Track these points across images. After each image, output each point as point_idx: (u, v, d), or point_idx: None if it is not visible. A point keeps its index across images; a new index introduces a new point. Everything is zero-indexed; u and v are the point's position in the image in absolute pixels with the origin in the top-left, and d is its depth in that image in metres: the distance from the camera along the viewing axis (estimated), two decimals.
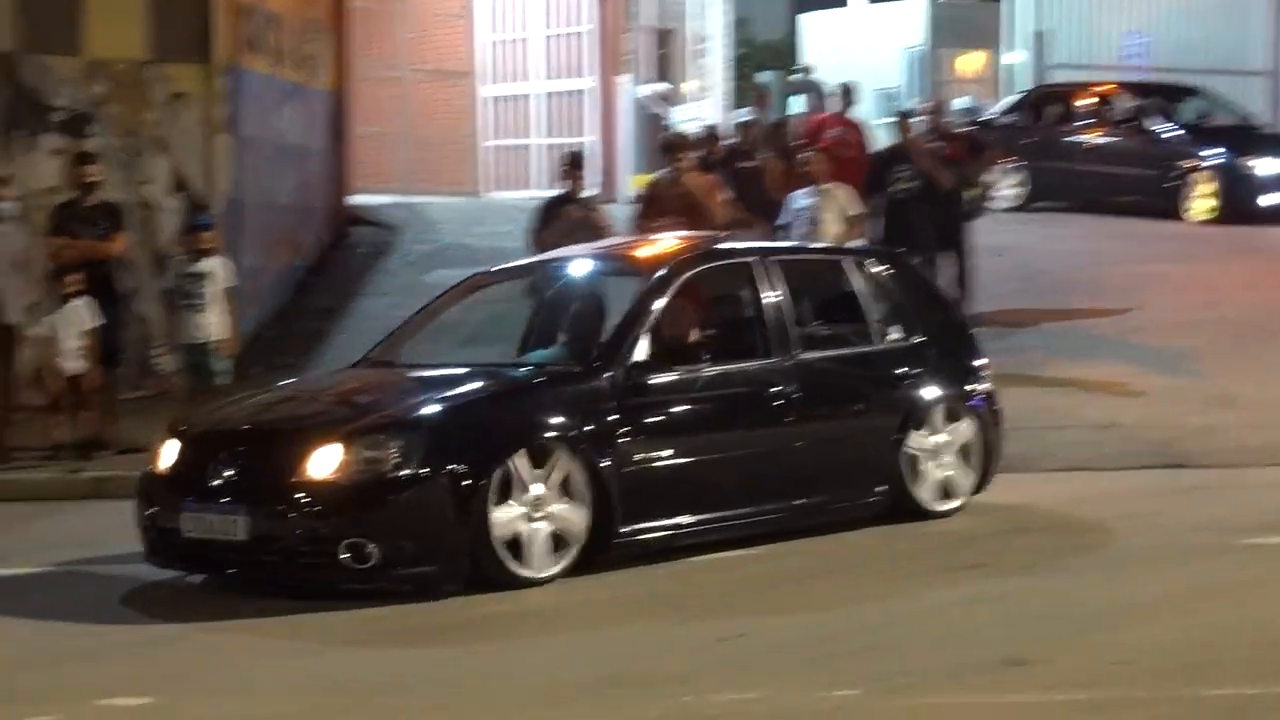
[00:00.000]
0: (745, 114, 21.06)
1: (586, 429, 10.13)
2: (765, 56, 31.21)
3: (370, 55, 25.65)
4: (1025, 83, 30.10)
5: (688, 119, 27.02)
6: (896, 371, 11.90)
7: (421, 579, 9.57)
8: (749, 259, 11.57)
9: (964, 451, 11.93)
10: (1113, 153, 25.22)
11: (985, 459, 12.02)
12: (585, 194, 16.23)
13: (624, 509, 10.18)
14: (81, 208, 15.41)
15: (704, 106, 29.87)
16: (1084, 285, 20.09)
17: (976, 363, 12.33)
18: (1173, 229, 23.69)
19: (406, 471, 9.55)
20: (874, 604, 9.50)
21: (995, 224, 22.47)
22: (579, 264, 12.22)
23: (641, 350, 10.58)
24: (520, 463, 9.84)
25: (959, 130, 20.21)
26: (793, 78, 25.22)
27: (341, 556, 9.41)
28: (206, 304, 14.95)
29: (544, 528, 9.90)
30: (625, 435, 10.29)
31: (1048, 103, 26.52)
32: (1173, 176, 24.34)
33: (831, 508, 11.33)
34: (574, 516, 10.02)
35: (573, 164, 16.26)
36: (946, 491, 11.81)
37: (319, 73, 21.89)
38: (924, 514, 11.63)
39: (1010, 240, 22.05)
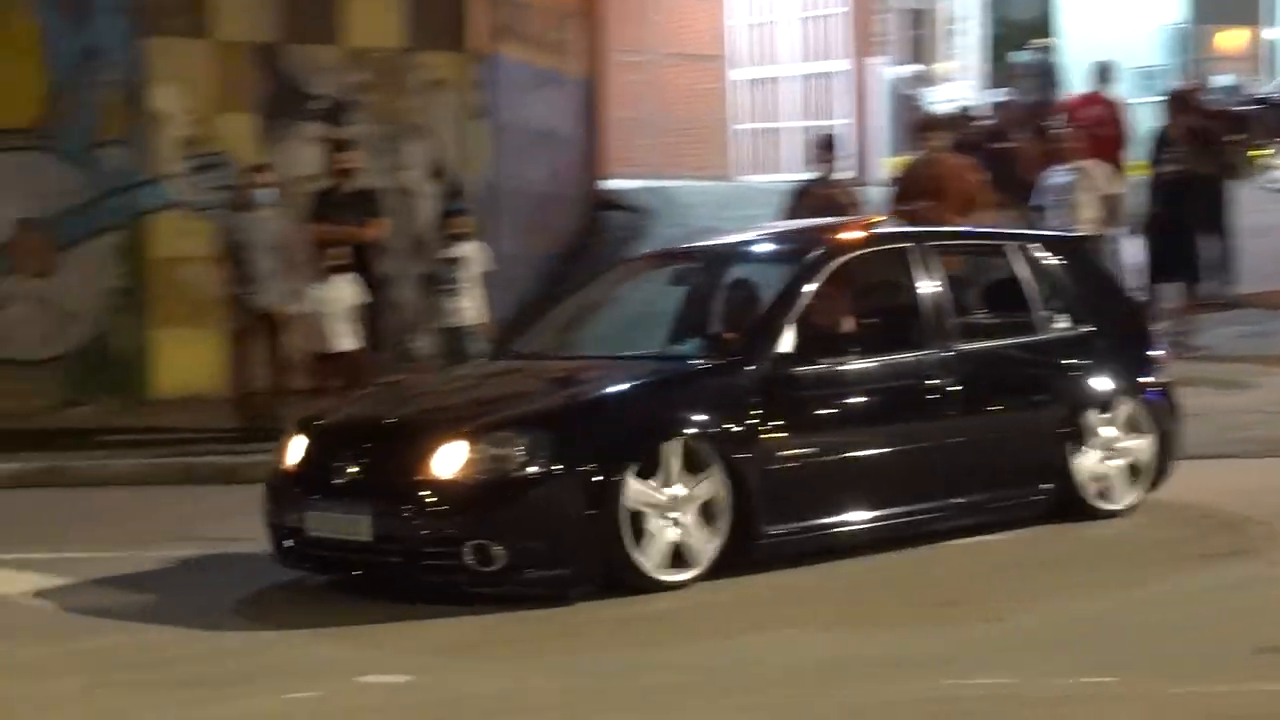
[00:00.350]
0: (1000, 94, 20.86)
1: (727, 425, 9.63)
2: (1022, 35, 30.78)
3: (621, 40, 25.75)
4: None
5: (943, 100, 26.78)
6: (1063, 363, 11.24)
7: (550, 582, 9.16)
8: (905, 244, 11.03)
9: (1127, 449, 11.21)
10: None
11: (1161, 455, 11.34)
12: (838, 177, 16.17)
13: (767, 509, 9.68)
14: (340, 194, 15.67)
15: (959, 87, 29.58)
16: None
17: (1152, 354, 11.68)
18: None
19: (534, 470, 9.11)
20: (1117, 591, 9.30)
21: (1270, 204, 22.00)
22: (733, 249, 11.84)
23: (787, 341, 10.03)
24: (655, 462, 9.35)
25: (1221, 109, 19.79)
26: (1027, 59, 24.77)
27: (466, 559, 9.02)
28: (463, 289, 15.10)
29: (680, 529, 9.41)
30: (769, 431, 9.76)
31: None
32: None
33: (992, 506, 10.73)
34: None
35: (825, 147, 16.20)
36: (1118, 489, 11.18)
37: (571, 58, 22.05)
38: (1092, 513, 11.00)
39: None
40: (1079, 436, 11.04)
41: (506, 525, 9.08)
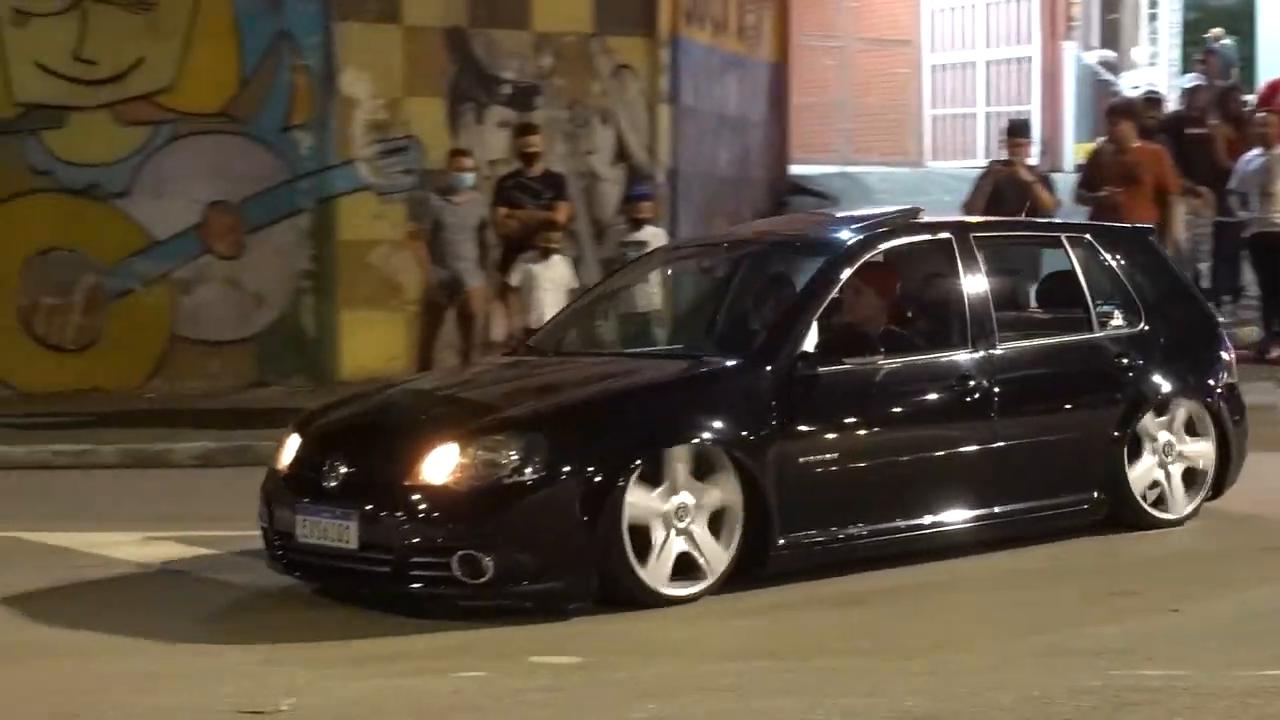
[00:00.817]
0: (1190, 79, 20.55)
1: (741, 428, 9.02)
2: (1218, 20, 30.29)
3: (811, 25, 25.68)
4: None
5: (1135, 85, 26.41)
6: (1119, 363, 10.55)
7: (543, 596, 8.60)
8: (946, 235, 10.33)
9: (1184, 455, 10.64)
10: None
11: (1223, 461, 10.74)
12: (1030, 162, 15.99)
13: (784, 518, 9.04)
14: (525, 178, 15.76)
15: (1152, 73, 29.18)
16: None
17: (1220, 355, 11.03)
18: None
19: (528, 476, 8.56)
20: None
21: None
22: (762, 240, 11.31)
23: (810, 339, 9.38)
24: (660, 468, 8.78)
25: None
26: (1212, 45, 24.28)
27: (454, 570, 8.47)
28: None
29: (687, 540, 8.85)
30: (787, 435, 9.12)
31: None
32: None
33: (1037, 516, 10.09)
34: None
35: (1011, 132, 16.04)
36: (1176, 497, 10.60)
37: (760, 43, 22.01)
38: (1146, 523, 10.43)
39: None
40: (1133, 441, 10.45)
41: (498, 535, 8.54)
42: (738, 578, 9.00)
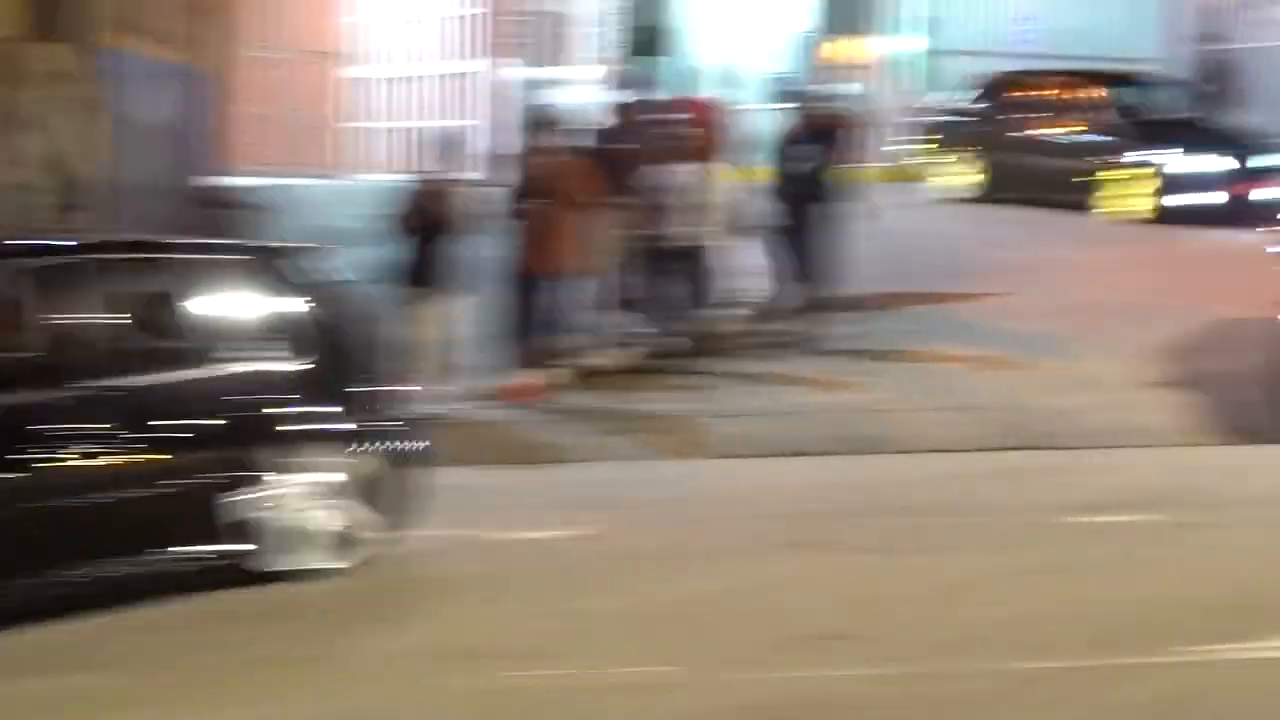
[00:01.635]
0: (618, 97, 21.13)
1: None
2: (653, 41, 31.20)
3: (248, 35, 25.51)
4: (919, 70, 30.22)
5: (564, 102, 26.98)
6: (244, 400, 9.62)
7: None
8: (30, 258, 9.22)
9: (352, 497, 9.91)
10: (1054, 146, 24.41)
11: (388, 505, 9.99)
12: (455, 176, 16.21)
13: None
14: None
15: (583, 90, 29.83)
16: (969, 272, 19.54)
17: (386, 390, 10.41)
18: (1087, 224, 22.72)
19: None
20: (691, 582, 9.60)
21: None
22: None
23: None
24: None
25: (828, 112, 20.01)
26: (637, 65, 25.19)
27: None
28: None
29: None
30: None
31: (1004, 91, 25.79)
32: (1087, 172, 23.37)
33: (122, 574, 9.06)
34: None
35: (442, 145, 16.29)
36: (316, 545, 9.77)
37: (197, 52, 21.70)
38: (277, 574, 9.56)
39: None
40: (255, 486, 9.58)
41: None
42: None
